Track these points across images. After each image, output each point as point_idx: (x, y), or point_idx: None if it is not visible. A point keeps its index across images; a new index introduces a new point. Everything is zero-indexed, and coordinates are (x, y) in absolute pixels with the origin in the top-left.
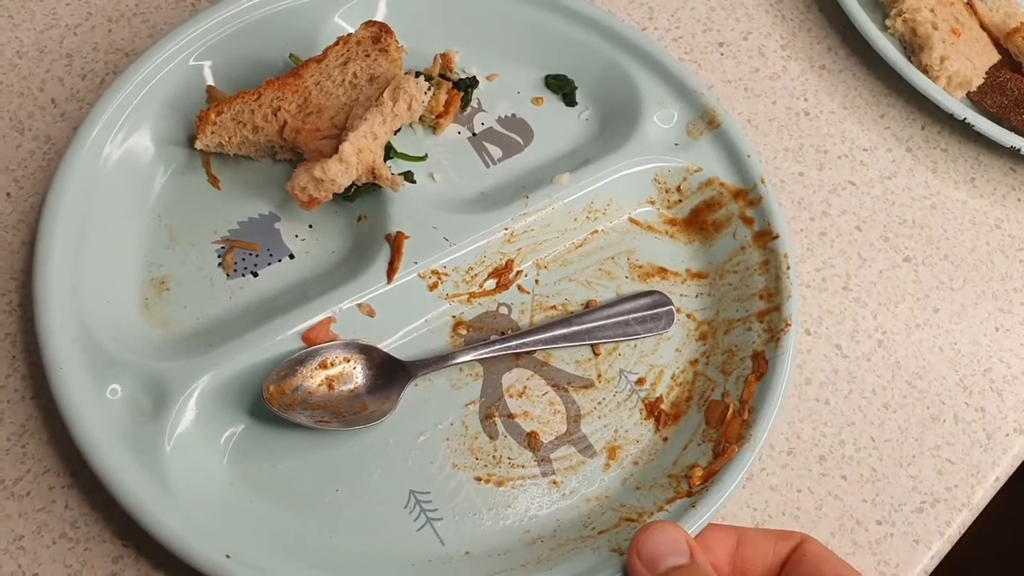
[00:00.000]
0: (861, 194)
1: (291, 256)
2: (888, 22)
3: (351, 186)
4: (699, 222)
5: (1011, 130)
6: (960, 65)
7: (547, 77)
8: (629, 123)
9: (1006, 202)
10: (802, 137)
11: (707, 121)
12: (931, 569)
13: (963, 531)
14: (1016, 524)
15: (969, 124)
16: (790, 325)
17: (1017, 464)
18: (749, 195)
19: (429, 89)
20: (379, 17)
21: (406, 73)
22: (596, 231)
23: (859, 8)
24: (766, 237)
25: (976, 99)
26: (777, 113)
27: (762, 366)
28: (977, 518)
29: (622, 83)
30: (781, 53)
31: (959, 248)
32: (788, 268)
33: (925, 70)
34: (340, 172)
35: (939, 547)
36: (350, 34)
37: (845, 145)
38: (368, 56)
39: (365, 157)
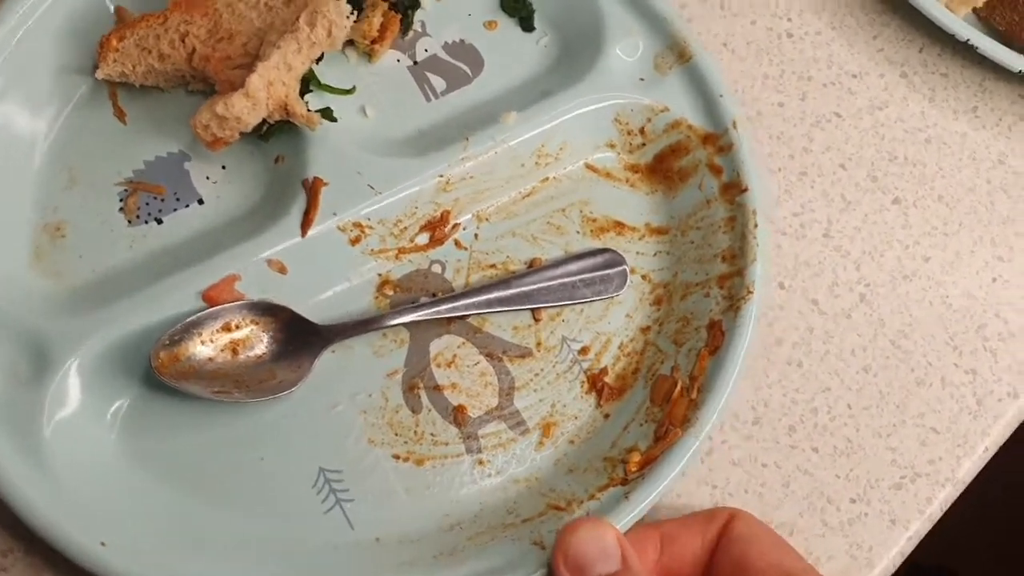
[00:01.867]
0: (848, 127)
1: (200, 201)
2: None
3: (263, 124)
4: (663, 169)
5: (1021, 52)
6: None
7: None
8: (590, 54)
9: (1011, 134)
10: (783, 63)
11: (677, 53)
12: (908, 552)
13: (945, 508)
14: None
15: (973, 46)
16: (752, 292)
17: (1009, 433)
18: (719, 140)
19: (353, 12)
20: None
21: None
22: (547, 179)
23: None
24: (734, 190)
25: (984, 15)
26: (757, 35)
27: (717, 338)
28: (963, 493)
29: (585, 6)
30: None
31: (956, 187)
32: (755, 227)
33: None
34: (246, 109)
35: (918, 527)
36: None
37: (832, 71)
38: None
39: (276, 91)
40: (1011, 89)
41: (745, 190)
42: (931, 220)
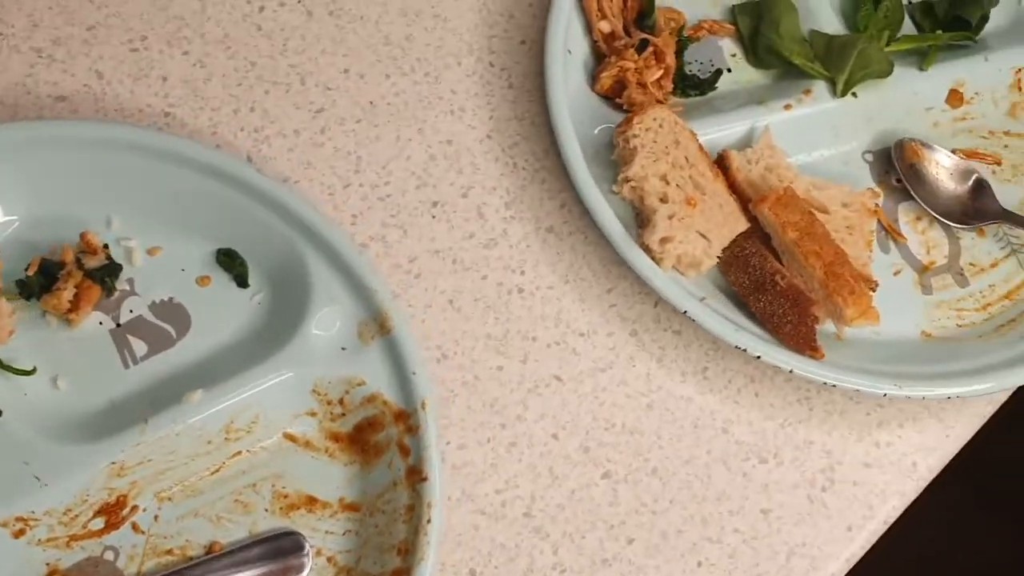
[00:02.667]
0: (566, 392)
1: None
2: (615, 187)
3: None
4: (362, 441)
5: (752, 316)
6: (688, 247)
7: (218, 252)
8: (292, 320)
9: (740, 398)
10: (510, 320)
11: (379, 324)
12: None
13: None
14: None
15: (690, 317)
16: None
17: None
18: (409, 420)
19: (14, 312)
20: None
21: None
22: (239, 452)
23: (585, 168)
24: (416, 476)
25: (723, 271)
26: (487, 291)
27: None
28: None
29: (296, 267)
30: (504, 213)
31: (673, 459)
32: (428, 522)
33: (647, 250)
34: None
35: None
36: None
37: (559, 329)
38: None
39: None
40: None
41: (425, 479)
42: (641, 496)
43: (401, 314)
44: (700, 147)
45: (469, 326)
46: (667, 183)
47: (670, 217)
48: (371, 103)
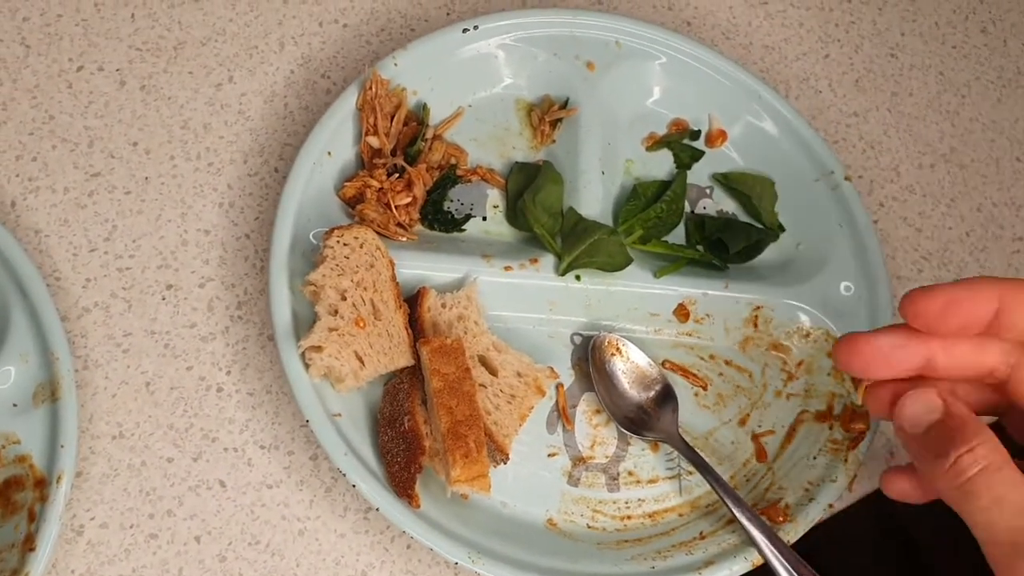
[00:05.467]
0: (225, 499)
1: None
2: (300, 284)
3: None
4: (5, 496)
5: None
6: (337, 363)
7: None
8: None
9: (391, 546)
10: (198, 416)
11: (52, 390)
12: None
13: None
14: None
15: (310, 427)
16: None
17: None
18: (46, 488)
19: None
20: None
21: None
22: None
23: (284, 258)
24: (29, 544)
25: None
26: (187, 382)
27: None
28: None
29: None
30: (234, 312)
31: None
32: None
33: (302, 354)
34: None
35: None
36: None
37: (242, 436)
38: None
39: None
40: None
41: (33, 549)
42: None
43: (71, 386)
44: (393, 276)
45: (156, 412)
46: (343, 299)
47: (330, 329)
48: (146, 178)
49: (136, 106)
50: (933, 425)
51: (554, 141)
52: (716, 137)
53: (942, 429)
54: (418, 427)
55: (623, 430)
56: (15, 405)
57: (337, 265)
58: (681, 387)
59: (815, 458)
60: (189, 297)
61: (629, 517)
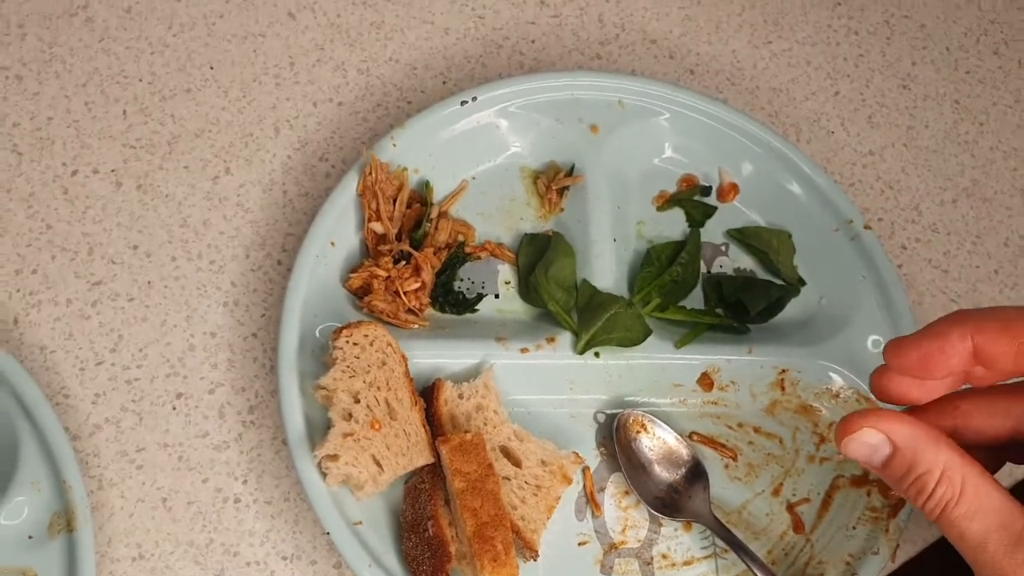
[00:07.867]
0: None
1: None
2: (312, 388)
3: None
4: None
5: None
6: (354, 469)
7: None
8: None
9: None
10: (218, 531)
11: (67, 520)
12: None
13: None
14: None
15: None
16: None
17: None
18: None
19: None
20: None
21: None
22: None
23: (293, 359)
24: None
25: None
26: (203, 495)
27: None
28: None
29: (9, 447)
30: (246, 416)
31: None
32: None
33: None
34: None
35: None
36: None
37: (263, 548)
38: None
39: None
40: None
41: None
42: None
43: (87, 514)
44: (407, 372)
45: (175, 529)
46: (357, 401)
47: (345, 435)
48: (149, 283)
49: (134, 207)
50: (888, 459)
51: (562, 210)
52: (728, 191)
53: (900, 462)
54: (442, 532)
55: (654, 512)
56: (31, 537)
57: (348, 367)
58: (710, 459)
59: (854, 528)
60: (200, 405)
61: None
